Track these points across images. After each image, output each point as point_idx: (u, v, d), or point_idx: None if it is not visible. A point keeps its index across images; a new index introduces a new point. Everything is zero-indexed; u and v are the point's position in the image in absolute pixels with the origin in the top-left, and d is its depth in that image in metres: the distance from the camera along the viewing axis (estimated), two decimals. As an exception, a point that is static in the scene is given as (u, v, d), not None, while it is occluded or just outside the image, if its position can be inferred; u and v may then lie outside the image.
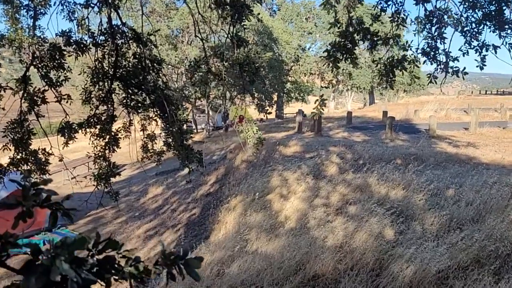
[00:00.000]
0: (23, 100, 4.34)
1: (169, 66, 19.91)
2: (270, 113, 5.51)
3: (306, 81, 34.05)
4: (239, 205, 8.39)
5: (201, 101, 26.68)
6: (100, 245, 1.21)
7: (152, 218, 11.23)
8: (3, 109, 5.46)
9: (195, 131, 30.11)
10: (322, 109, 3.67)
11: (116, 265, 1.20)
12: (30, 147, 4.61)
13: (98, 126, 5.02)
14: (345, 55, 3.65)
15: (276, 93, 27.19)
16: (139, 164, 19.41)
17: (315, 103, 3.73)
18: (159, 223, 10.64)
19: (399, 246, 4.86)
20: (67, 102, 4.58)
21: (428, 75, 3.66)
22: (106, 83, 4.94)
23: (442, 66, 3.56)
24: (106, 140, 5.02)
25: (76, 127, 4.57)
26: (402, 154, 9.92)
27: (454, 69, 3.52)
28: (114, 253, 1.25)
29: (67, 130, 4.46)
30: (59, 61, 4.41)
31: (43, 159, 4.91)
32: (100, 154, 5.13)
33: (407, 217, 5.76)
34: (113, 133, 5.06)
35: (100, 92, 4.98)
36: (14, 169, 4.51)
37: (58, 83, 4.53)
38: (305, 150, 11.25)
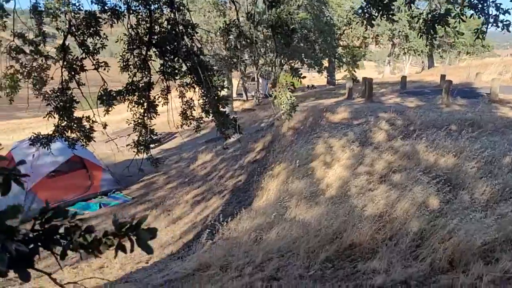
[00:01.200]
0: (63, 69, 4.45)
1: (217, 33, 19.80)
2: (304, 77, 5.29)
3: (359, 45, 32.70)
4: (282, 172, 8.34)
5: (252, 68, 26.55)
6: (48, 214, 1.18)
7: (200, 184, 11.47)
8: (52, 78, 5.67)
9: (245, 99, 30.09)
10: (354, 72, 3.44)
11: (62, 235, 1.16)
12: (74, 114, 4.75)
13: (136, 94, 5.06)
14: (381, 11, 3.36)
15: (327, 59, 26.34)
16: (190, 132, 19.85)
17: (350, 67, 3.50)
18: (206, 189, 10.86)
19: (443, 216, 4.61)
20: (104, 69, 4.65)
21: (475, 30, 3.30)
22: (142, 50, 4.94)
23: (492, 20, 3.19)
24: (145, 107, 5.07)
25: (114, 94, 4.64)
26: (457, 119, 9.33)
27: (505, 23, 3.14)
28: (65, 222, 1.21)
29: (106, 97, 4.54)
30: (94, 29, 4.45)
31: (88, 127, 5.05)
32: (139, 121, 5.20)
33: (455, 186, 5.44)
34: (150, 100, 5.10)
35: (137, 59, 5.00)
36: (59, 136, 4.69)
37: (95, 51, 4.59)
38: (353, 117, 10.90)
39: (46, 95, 4.56)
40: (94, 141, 5.11)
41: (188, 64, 5.20)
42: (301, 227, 5.14)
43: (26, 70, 5.76)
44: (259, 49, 21.77)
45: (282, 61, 26.45)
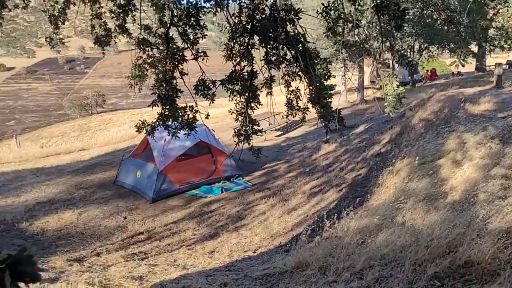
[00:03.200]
0: (167, 59, 4.58)
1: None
2: (412, 65, 4.57)
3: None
4: (404, 168, 7.59)
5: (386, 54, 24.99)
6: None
7: (320, 175, 11.17)
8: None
9: (378, 87, 28.58)
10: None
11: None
12: (176, 104, 4.89)
13: (239, 83, 4.98)
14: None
15: (475, 43, 23.36)
16: (315, 121, 19.57)
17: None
18: (325, 180, 10.52)
19: None
20: (203, 59, 4.65)
21: None
22: (245, 38, 4.83)
23: None
24: (246, 96, 4.97)
25: (210, 84, 4.63)
26: None
27: None
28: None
29: (201, 87, 4.55)
30: (195, 19, 4.46)
31: (191, 116, 5.16)
32: (241, 111, 5.13)
33: None
34: (253, 89, 4.97)
35: (240, 47, 4.91)
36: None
37: (196, 41, 4.61)
38: (498, 109, 9.40)
39: (152, 85, 4.75)
40: (196, 131, 5.19)
41: (292, 52, 4.94)
42: (411, 234, 4.53)
43: (152, 60, 6.15)
44: (361, 34, 20.50)
45: (422, 46, 24.39)
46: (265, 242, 7.53)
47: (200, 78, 4.60)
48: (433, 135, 8.64)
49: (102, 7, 7.01)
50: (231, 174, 11.75)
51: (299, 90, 5.44)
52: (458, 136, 7.78)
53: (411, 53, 25.19)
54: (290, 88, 5.45)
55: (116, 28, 6.87)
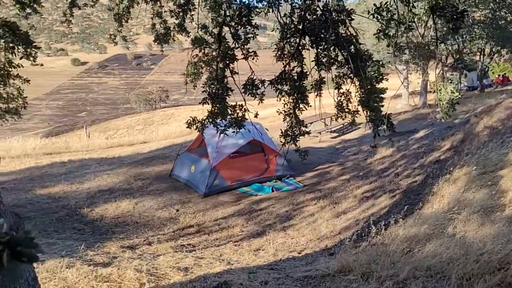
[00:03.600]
0: (218, 58, 4.69)
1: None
2: (470, 69, 4.29)
3: None
4: (462, 177, 7.23)
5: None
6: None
7: (374, 179, 10.91)
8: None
9: (432, 91, 27.30)
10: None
11: None
12: (226, 102, 4.98)
13: (288, 83, 4.99)
14: None
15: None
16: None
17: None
18: (378, 185, 10.26)
19: None
20: (253, 59, 4.71)
21: None
22: (296, 39, 4.83)
23: None
24: (294, 97, 4.97)
25: (259, 84, 4.67)
26: None
27: None
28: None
29: (249, 86, 4.60)
30: (247, 19, 4.52)
31: (240, 114, 5.24)
32: (289, 111, 5.13)
33: None
34: (302, 90, 4.96)
35: (291, 48, 4.91)
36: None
37: (246, 41, 4.68)
38: None
39: (203, 83, 4.88)
40: (245, 128, 5.26)
41: (344, 54, 4.87)
42: (461, 247, 4.32)
43: (207, 59, 6.32)
44: (465, 36, 19.28)
45: (493, 49, 22.96)
46: (311, 244, 7.49)
47: (250, 77, 4.66)
48: (497, 144, 8.15)
49: (163, 6, 7.29)
50: (283, 173, 11.76)
51: (350, 92, 5.34)
52: (524, 146, 7.29)
53: (481, 56, 23.78)
54: (341, 90, 5.37)
55: (176, 26, 7.12)
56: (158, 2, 7.14)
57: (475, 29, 18.99)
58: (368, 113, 4.74)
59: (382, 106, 5.06)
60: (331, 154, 14.25)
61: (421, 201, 7.42)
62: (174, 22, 7.07)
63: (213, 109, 4.94)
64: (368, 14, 3.79)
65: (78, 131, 53.49)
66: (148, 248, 7.26)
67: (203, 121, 5.07)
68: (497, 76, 28.84)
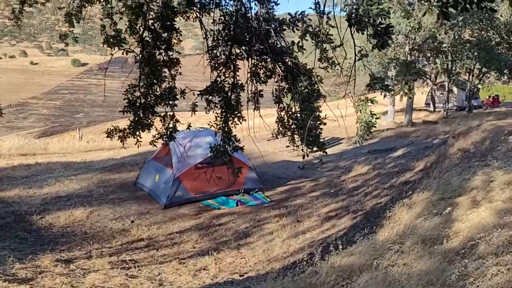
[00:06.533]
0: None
1: (399, 36, 17.97)
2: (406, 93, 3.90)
3: None
4: (420, 203, 6.85)
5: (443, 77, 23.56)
6: None
7: (343, 198, 10.52)
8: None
9: (432, 109, 26.94)
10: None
11: None
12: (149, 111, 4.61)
13: (219, 95, 4.63)
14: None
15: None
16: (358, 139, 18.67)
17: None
18: (344, 205, 9.87)
19: None
20: (174, 66, 4.34)
21: None
22: (226, 47, 4.47)
23: None
24: (224, 110, 4.60)
25: (177, 94, 4.30)
26: None
27: None
28: None
29: (166, 96, 4.23)
30: (170, 23, 4.17)
31: (171, 125, 4.88)
32: (221, 125, 4.76)
33: None
34: (233, 103, 4.59)
35: (223, 57, 4.55)
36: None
37: (169, 46, 4.32)
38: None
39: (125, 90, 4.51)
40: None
41: (281, 66, 4.51)
42: (389, 284, 3.92)
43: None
44: (453, 55, 18.99)
45: (482, 70, 22.67)
46: (259, 266, 7.08)
47: (169, 86, 4.30)
48: (462, 168, 7.80)
49: (114, 7, 6.94)
50: (251, 187, 11.36)
51: (291, 108, 4.97)
52: (487, 172, 6.91)
53: (470, 76, 23.46)
54: (281, 105, 5.00)
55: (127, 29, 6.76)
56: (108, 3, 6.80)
57: (463, 49, 18.73)
58: (300, 132, 4.36)
59: (320, 125, 4.69)
60: (306, 169, 13.85)
61: (377, 225, 7.02)
62: (125, 24, 6.71)
63: (135, 119, 4.56)
64: (289, 23, 3.42)
65: (73, 132, 53.04)
66: (85, 263, 6.85)
67: (125, 132, 4.67)
68: (487, 97, 28.49)
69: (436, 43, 18.05)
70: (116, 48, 7.22)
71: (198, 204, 10.40)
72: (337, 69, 3.86)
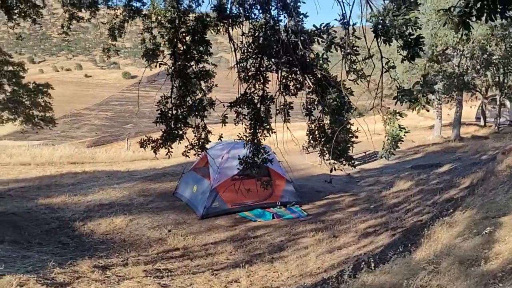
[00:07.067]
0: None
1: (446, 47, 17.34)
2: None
3: None
4: (462, 222, 6.52)
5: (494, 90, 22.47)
6: None
7: (382, 214, 10.21)
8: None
9: (482, 124, 25.71)
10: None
11: None
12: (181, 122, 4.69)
13: (248, 106, 4.64)
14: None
15: None
16: (400, 154, 18.10)
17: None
18: (383, 221, 9.56)
19: None
20: (205, 79, 4.40)
21: None
22: (257, 60, 4.49)
23: None
24: (253, 122, 4.60)
25: (207, 105, 4.35)
26: None
27: None
28: None
29: (195, 107, 4.28)
30: (201, 36, 4.24)
31: (203, 135, 4.94)
32: (250, 137, 4.77)
33: None
34: (262, 115, 4.59)
35: (253, 69, 4.58)
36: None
37: (201, 58, 4.39)
38: None
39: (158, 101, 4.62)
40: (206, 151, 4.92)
41: (310, 78, 4.48)
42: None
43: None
44: (505, 67, 18.16)
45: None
46: (291, 280, 6.96)
47: (199, 97, 4.37)
48: (510, 186, 7.36)
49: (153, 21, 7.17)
50: (288, 200, 11.27)
51: (322, 120, 4.90)
52: (536, 191, 6.50)
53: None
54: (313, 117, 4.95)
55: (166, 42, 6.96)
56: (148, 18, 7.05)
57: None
58: (328, 145, 4.29)
59: (351, 138, 4.59)
60: (346, 183, 13.58)
61: (414, 244, 6.74)
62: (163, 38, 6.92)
63: (166, 130, 4.66)
64: (313, 33, 3.39)
65: (122, 142, 55.03)
66: (121, 270, 7.00)
67: (157, 142, 4.78)
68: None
69: (486, 55, 17.36)
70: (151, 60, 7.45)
71: (234, 216, 10.43)
72: (366, 82, 3.77)
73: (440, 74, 16.88)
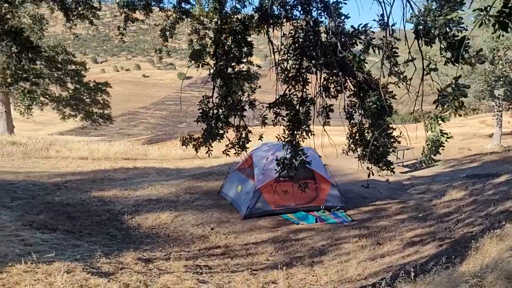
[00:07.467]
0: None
1: (508, 52, 16.34)
2: None
3: None
4: (514, 235, 6.15)
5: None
6: None
7: (431, 224, 9.81)
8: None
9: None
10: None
11: None
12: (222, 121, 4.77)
13: (287, 108, 4.65)
14: None
15: None
16: (455, 162, 17.31)
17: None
18: (431, 231, 9.18)
19: None
20: (249, 80, 4.44)
21: None
22: (296, 61, 4.49)
23: None
24: (292, 123, 4.59)
25: (245, 106, 4.38)
26: None
27: None
28: None
29: (234, 107, 4.33)
30: (241, 37, 4.29)
31: (243, 135, 5.00)
32: (288, 138, 4.76)
33: None
34: (301, 116, 4.58)
35: (291, 71, 4.58)
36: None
37: (240, 59, 4.44)
38: None
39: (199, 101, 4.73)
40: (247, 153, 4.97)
41: (352, 81, 4.41)
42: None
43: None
44: None
45: None
46: (329, 285, 6.86)
47: (238, 99, 4.42)
48: None
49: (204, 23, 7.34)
50: (333, 204, 11.11)
51: (363, 124, 4.81)
52: None
53: None
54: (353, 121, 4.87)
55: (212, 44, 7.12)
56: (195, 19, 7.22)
57: None
58: (364, 149, 4.19)
59: (393, 143, 4.46)
60: (394, 190, 13.19)
61: (461, 256, 6.43)
62: (210, 39, 7.07)
63: (207, 129, 4.76)
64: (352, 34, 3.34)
65: (175, 140, 56.68)
66: (163, 264, 7.21)
67: (198, 140, 4.89)
68: None
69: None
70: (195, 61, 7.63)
71: (277, 217, 10.43)
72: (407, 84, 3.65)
73: (501, 79, 15.99)
